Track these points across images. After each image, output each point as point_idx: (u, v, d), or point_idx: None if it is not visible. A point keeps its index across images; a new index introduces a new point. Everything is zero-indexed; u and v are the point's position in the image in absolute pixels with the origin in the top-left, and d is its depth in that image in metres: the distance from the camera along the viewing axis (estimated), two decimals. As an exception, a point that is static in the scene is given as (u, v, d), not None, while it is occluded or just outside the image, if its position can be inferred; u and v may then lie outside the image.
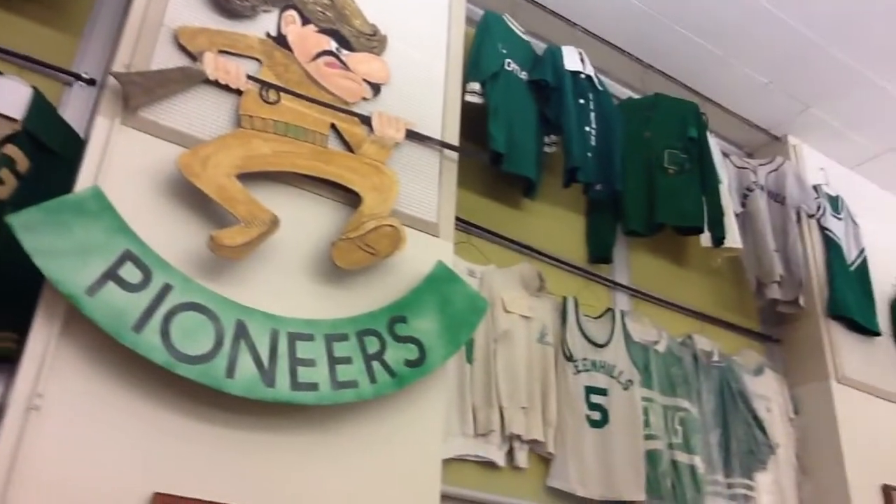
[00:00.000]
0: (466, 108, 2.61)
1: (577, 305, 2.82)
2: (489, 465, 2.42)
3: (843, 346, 3.42)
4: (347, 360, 1.90)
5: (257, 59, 2.15)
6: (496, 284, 2.63)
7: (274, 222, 1.92)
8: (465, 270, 2.58)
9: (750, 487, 3.00)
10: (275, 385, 1.78)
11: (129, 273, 1.70)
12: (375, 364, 1.93)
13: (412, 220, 2.22)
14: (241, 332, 1.80)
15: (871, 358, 3.52)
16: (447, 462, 2.29)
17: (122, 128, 1.86)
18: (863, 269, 3.70)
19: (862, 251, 3.75)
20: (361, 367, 1.91)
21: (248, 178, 1.95)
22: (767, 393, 3.28)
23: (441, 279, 2.15)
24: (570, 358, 2.70)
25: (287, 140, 2.08)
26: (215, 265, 1.86)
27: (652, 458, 2.70)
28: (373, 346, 1.95)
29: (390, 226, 2.07)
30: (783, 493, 3.10)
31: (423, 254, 2.19)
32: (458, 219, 2.54)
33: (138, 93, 1.89)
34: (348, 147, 2.20)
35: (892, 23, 3.18)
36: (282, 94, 2.12)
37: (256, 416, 1.79)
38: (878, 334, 3.56)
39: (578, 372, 2.70)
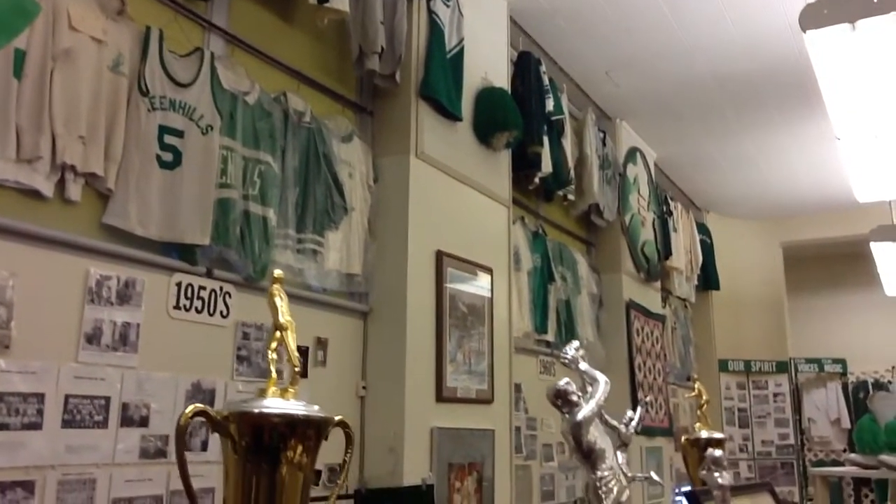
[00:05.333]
0: None
1: (161, 38, 2.58)
2: (33, 193, 2.19)
3: (426, 125, 3.64)
4: None
5: None
6: (63, -5, 2.28)
7: None
8: (22, -30, 2.18)
9: (319, 244, 3.17)
10: None
11: None
12: None
13: None
14: None
15: (449, 140, 3.83)
16: (-22, 185, 2.03)
17: None
18: (458, 57, 3.91)
19: (461, 41, 3.94)
20: None
21: None
22: (351, 160, 3.41)
23: (-25, -34, 1.78)
24: (145, 93, 2.49)
25: None
26: None
27: (224, 205, 2.67)
28: None
29: None
30: (350, 251, 3.33)
31: (-46, -70, 1.78)
32: None
33: None
34: None
35: None
36: None
37: None
38: (459, 119, 3.87)
39: (154, 109, 2.51)
